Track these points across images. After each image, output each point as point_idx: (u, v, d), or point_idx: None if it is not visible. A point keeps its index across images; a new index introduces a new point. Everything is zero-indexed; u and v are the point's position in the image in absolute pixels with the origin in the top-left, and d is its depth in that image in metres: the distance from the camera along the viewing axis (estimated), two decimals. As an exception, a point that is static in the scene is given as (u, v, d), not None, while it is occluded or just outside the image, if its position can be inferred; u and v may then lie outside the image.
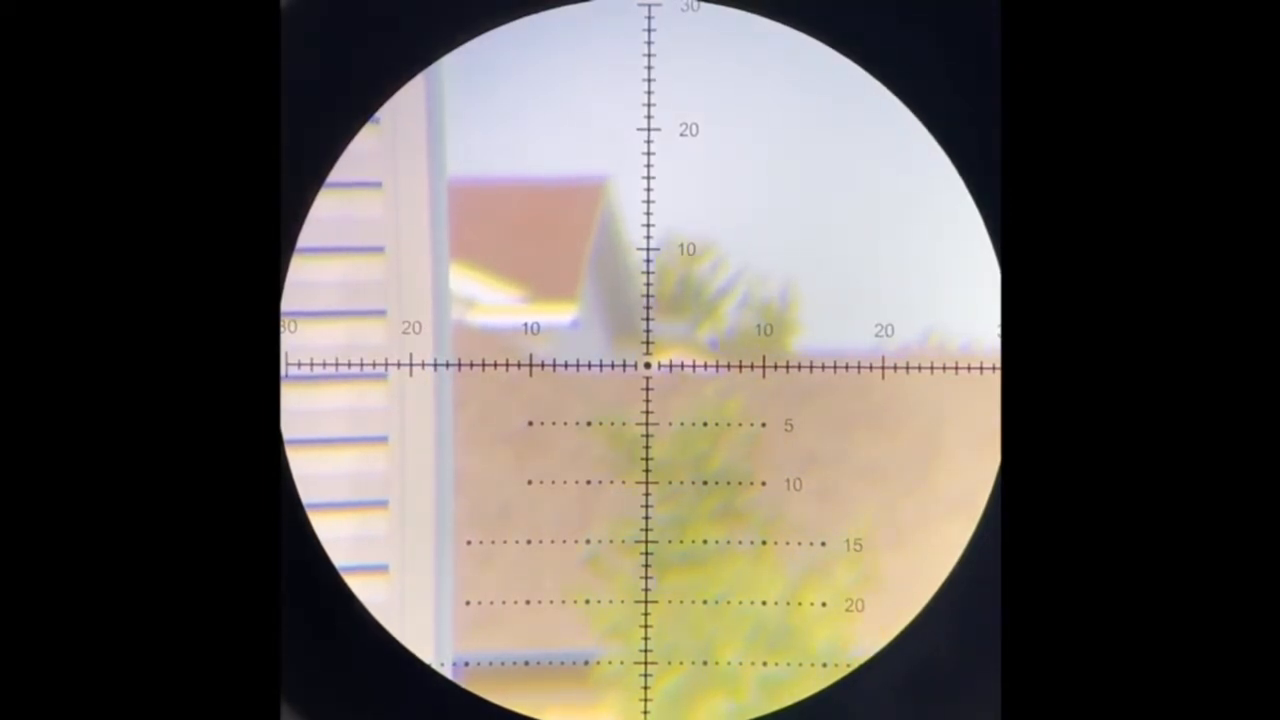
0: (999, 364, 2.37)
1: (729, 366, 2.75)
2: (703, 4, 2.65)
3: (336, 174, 2.81)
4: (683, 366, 2.73)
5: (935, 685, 2.60)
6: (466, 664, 2.82)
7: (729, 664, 2.92)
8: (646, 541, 2.65)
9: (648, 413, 2.65)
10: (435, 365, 2.86)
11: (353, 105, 2.63)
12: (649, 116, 2.70)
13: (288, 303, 2.71)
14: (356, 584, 2.76)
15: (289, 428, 2.68)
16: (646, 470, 2.65)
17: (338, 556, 2.77)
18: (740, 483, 2.84)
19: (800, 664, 2.81)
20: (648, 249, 2.65)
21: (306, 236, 2.81)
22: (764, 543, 2.87)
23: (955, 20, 2.52)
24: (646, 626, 2.65)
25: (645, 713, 2.57)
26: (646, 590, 2.65)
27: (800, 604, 2.93)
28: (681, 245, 2.72)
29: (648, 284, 2.65)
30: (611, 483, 2.75)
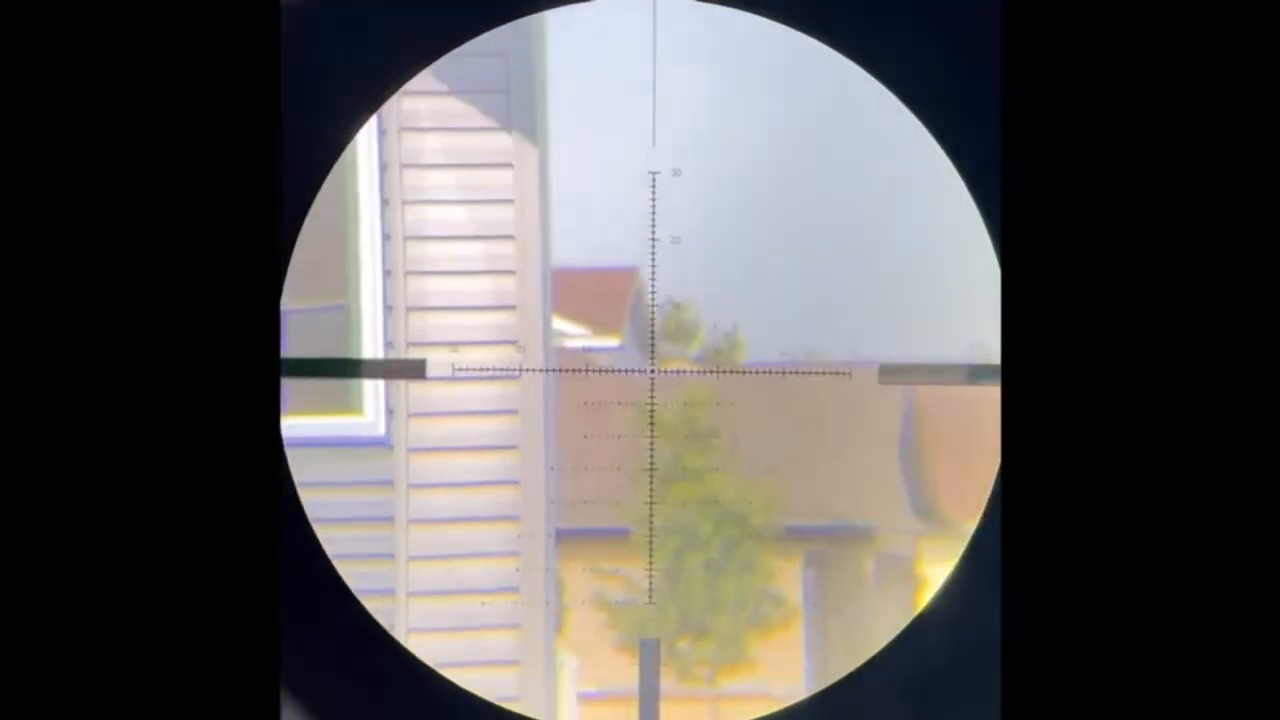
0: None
1: (703, 372, 3.70)
2: (702, 4, 2.51)
3: (496, 263, 3.85)
4: (677, 372, 3.58)
5: (935, 685, 2.51)
6: (569, 533, 3.87)
7: (703, 535, 3.85)
8: (652, 469, 3.18)
9: (653, 396, 3.19)
10: (544, 371, 3.97)
11: (353, 104, 2.49)
12: (653, 225, 3.10)
13: (460, 336, 3.76)
14: (497, 488, 3.91)
15: (461, 406, 3.74)
16: (652, 429, 3.17)
17: (498, 472, 3.83)
18: (707, 435, 3.71)
19: (746, 534, 3.86)
20: (652, 305, 3.25)
21: (474, 297, 3.82)
22: (717, 470, 3.79)
23: (955, 21, 2.41)
24: (652, 518, 3.18)
25: (650, 562, 3.19)
26: (652, 495, 3.18)
27: (748, 500, 3.88)
28: (674, 304, 3.74)
29: (652, 325, 3.26)
30: (633, 436, 3.22)
